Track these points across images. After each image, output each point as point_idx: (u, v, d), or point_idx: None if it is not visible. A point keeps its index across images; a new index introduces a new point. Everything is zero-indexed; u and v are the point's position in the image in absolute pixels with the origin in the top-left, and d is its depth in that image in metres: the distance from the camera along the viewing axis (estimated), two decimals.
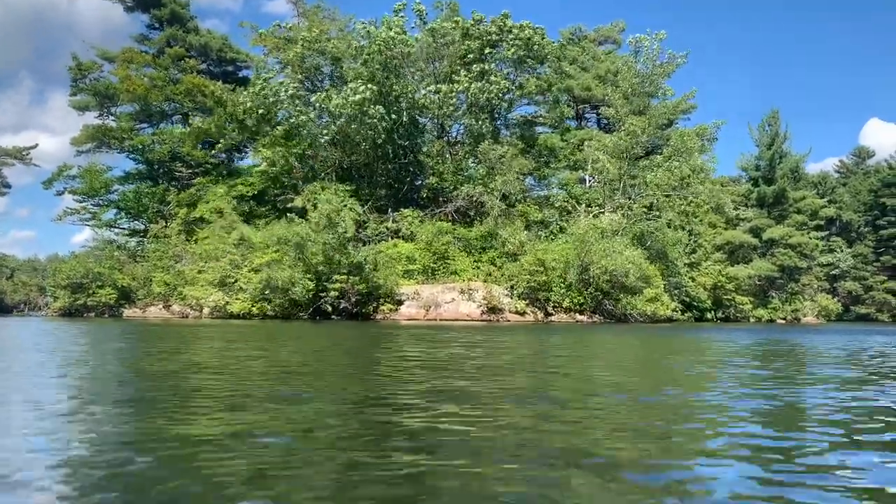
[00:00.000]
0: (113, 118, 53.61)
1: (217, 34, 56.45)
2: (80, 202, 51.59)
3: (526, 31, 43.31)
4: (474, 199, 41.93)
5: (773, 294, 62.23)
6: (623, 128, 40.27)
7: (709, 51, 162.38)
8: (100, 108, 53.94)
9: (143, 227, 51.65)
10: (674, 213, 40.26)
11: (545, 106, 50.34)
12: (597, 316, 35.77)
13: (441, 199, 44.65)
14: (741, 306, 57.79)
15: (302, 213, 40.20)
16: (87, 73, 52.42)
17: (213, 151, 50.35)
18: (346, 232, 35.31)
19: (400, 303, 36.17)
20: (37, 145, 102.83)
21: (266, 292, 35.22)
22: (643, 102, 44.09)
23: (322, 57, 45.96)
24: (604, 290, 35.11)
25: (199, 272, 39.98)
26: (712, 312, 54.89)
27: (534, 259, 34.95)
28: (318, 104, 41.68)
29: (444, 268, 38.64)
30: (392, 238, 41.43)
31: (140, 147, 51.18)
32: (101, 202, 51.97)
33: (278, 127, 44.24)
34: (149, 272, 43.06)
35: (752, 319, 58.57)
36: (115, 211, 52.19)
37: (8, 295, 74.50)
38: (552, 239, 40.10)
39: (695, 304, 50.60)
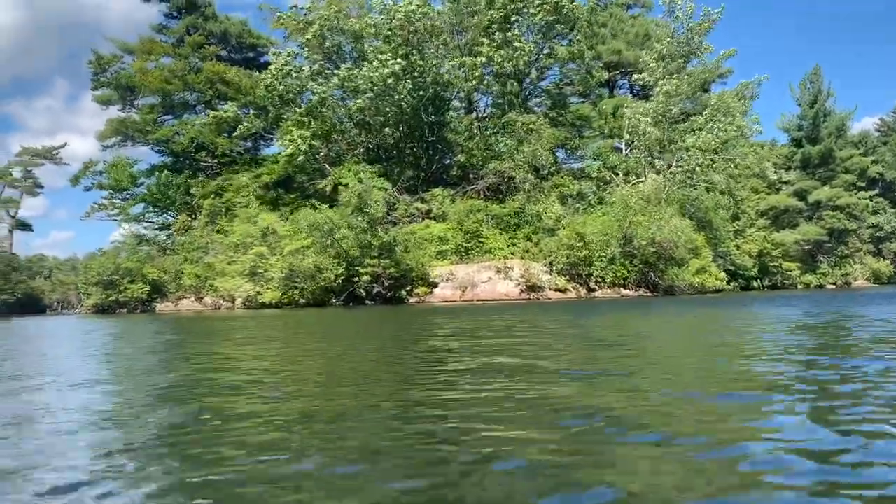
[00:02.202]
0: (135, 111, 52.96)
1: (236, 19, 55.33)
2: (108, 197, 51.14)
3: None
4: (505, 174, 40.33)
5: (822, 259, 59.76)
6: (658, 90, 38.15)
7: (740, 6, 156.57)
8: (122, 102, 53.34)
9: (171, 220, 51.05)
10: (719, 176, 38.12)
11: (576, 74, 48.29)
12: (642, 289, 34.08)
13: (471, 176, 43.12)
14: (788, 273, 55.62)
15: (330, 198, 39.06)
16: (107, 66, 51.73)
17: (238, 140, 49.37)
18: (376, 212, 34.10)
19: (434, 285, 34.89)
20: (65, 144, 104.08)
21: (295, 280, 34.23)
22: (679, 65, 41.90)
23: (342, 36, 44.51)
24: (649, 261, 33.37)
25: (229, 263, 39.19)
26: (758, 280, 52.89)
27: (572, 233, 33.27)
28: (343, 80, 40.25)
29: (477, 247, 37.23)
30: (423, 219, 40.12)
31: (164, 139, 50.43)
32: (128, 196, 51.43)
33: (300, 109, 42.96)
34: (179, 265, 42.44)
35: (799, 286, 56.35)
36: (142, 205, 51.60)
37: (46, 294, 74.98)
38: (590, 211, 38.36)
39: (740, 272, 48.68)
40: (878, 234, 67.06)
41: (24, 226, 78.40)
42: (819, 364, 5.43)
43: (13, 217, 76.43)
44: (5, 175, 75.96)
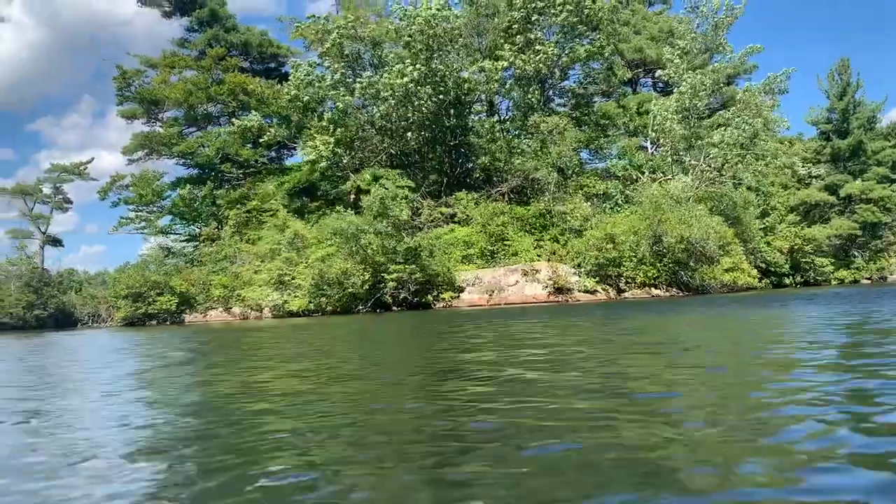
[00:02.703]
0: (160, 125, 53.48)
1: (256, 30, 55.62)
2: (135, 211, 51.63)
3: None
4: (529, 176, 39.97)
5: (856, 253, 58.53)
6: (682, 86, 37.53)
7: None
8: (147, 116, 53.90)
9: (198, 231, 51.38)
10: (748, 173, 37.37)
11: (599, 73, 47.82)
12: (673, 289, 33.49)
13: (495, 179, 42.83)
14: (822, 268, 54.49)
15: (354, 205, 39.02)
16: (131, 81, 52.30)
17: (262, 150, 49.68)
18: (400, 214, 33.96)
19: (461, 289, 34.61)
20: (93, 160, 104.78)
21: (323, 288, 34.16)
22: (703, 60, 41.25)
23: (361, 43, 44.52)
24: (679, 260, 32.78)
25: (256, 272, 39.26)
26: (791, 277, 51.89)
27: (601, 233, 32.80)
28: (364, 88, 40.26)
29: (503, 250, 36.91)
30: (447, 223, 39.91)
31: (189, 151, 50.83)
32: (154, 209, 51.87)
33: (324, 115, 43.04)
34: (206, 276, 42.62)
35: (833, 281, 55.21)
36: (169, 217, 52.03)
37: (77, 308, 75.84)
38: (617, 211, 37.84)
39: (772, 269, 47.80)
40: None
41: (55, 241, 79.38)
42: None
43: (44, 233, 77.48)
44: (35, 192, 77.03)
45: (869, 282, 55.84)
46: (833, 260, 55.96)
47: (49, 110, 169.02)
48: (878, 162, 60.34)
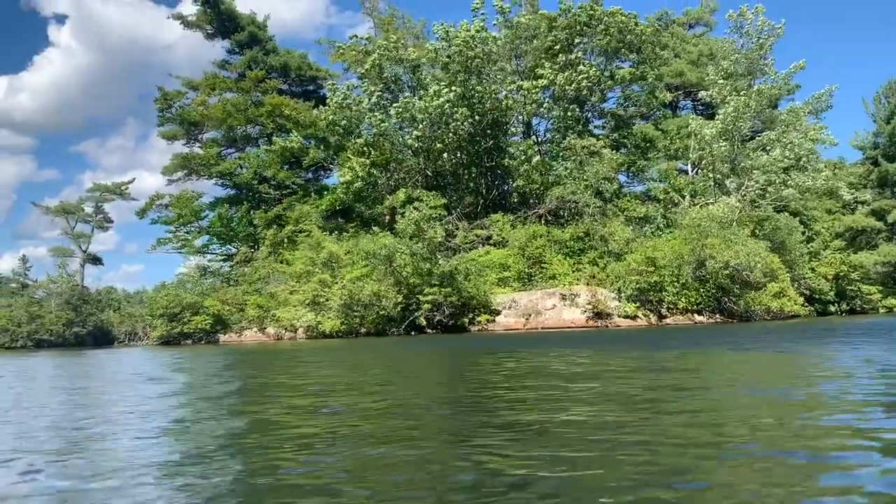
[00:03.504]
0: (199, 145, 54.12)
1: (296, 53, 56.20)
2: (173, 231, 52.10)
3: (618, 18, 40.39)
4: (566, 198, 39.38)
5: None
6: (726, 108, 36.70)
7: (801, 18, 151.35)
8: (187, 137, 54.61)
9: (234, 251, 51.64)
10: (793, 192, 36.20)
11: (639, 97, 47.23)
12: (718, 315, 32.47)
13: (532, 201, 42.30)
14: (868, 296, 52.63)
15: (389, 227, 38.82)
16: (172, 102, 53.08)
17: (299, 171, 49.97)
18: (435, 236, 33.62)
19: (497, 312, 34.02)
20: (133, 180, 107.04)
21: (355, 309, 33.85)
22: (747, 81, 40.40)
23: (400, 65, 44.62)
24: (723, 286, 31.78)
25: (291, 293, 39.14)
26: (836, 305, 50.22)
27: (642, 257, 31.99)
28: (400, 112, 40.27)
29: (540, 273, 36.26)
30: (483, 245, 39.44)
31: (227, 172, 51.27)
32: (192, 229, 52.30)
33: (360, 139, 43.12)
34: (242, 296, 42.65)
35: (881, 310, 53.32)
36: (206, 237, 52.40)
37: (115, 326, 76.71)
38: (658, 235, 36.98)
39: (816, 296, 46.29)
40: None
41: (95, 260, 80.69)
42: None
43: (84, 251, 78.82)
44: (77, 211, 78.54)
45: None
46: (881, 287, 54.08)
47: (94, 132, 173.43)
48: None
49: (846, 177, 59.75)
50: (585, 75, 38.95)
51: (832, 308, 49.42)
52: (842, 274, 50.31)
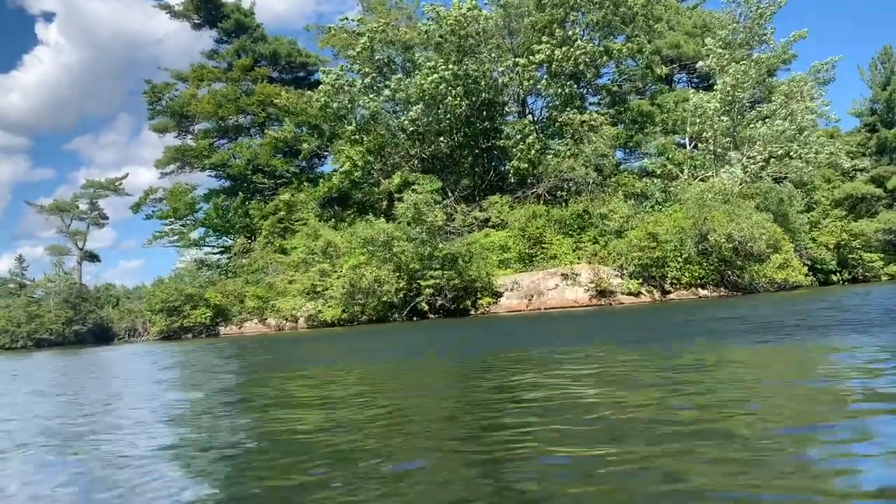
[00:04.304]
0: (191, 137, 53.52)
1: (284, 40, 55.45)
2: (168, 224, 51.61)
3: None
4: (565, 176, 38.90)
5: None
6: (726, 77, 36.12)
7: None
8: (178, 129, 53.98)
9: (230, 243, 51.20)
10: (799, 163, 35.67)
11: (634, 72, 46.59)
12: (722, 289, 32.13)
13: (529, 180, 41.82)
14: (870, 264, 52.35)
15: (386, 213, 38.39)
16: (161, 94, 52.41)
17: (293, 160, 49.41)
18: (435, 220, 33.21)
19: (499, 294, 33.68)
20: (127, 175, 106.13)
21: (356, 297, 33.51)
22: (744, 52, 39.77)
23: (392, 47, 43.95)
24: (726, 259, 31.40)
25: (290, 283, 38.79)
26: (838, 274, 49.96)
27: (643, 233, 31.58)
28: (393, 91, 39.70)
29: (541, 253, 35.87)
30: (482, 228, 39.02)
31: (220, 163, 50.70)
32: (188, 222, 51.79)
33: (351, 126, 42.52)
34: (240, 287, 42.31)
35: (883, 277, 53.09)
36: (202, 230, 51.92)
37: (115, 323, 76.38)
38: (658, 210, 36.55)
39: (818, 266, 45.99)
40: None
41: (92, 257, 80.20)
42: None
43: (81, 249, 78.30)
44: (72, 208, 77.94)
45: None
46: (882, 255, 53.79)
47: (87, 129, 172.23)
48: None
49: (844, 146, 59.32)
50: (583, 51, 38.35)
51: (834, 277, 49.18)
52: (843, 243, 50.02)
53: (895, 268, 54.44)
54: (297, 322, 37.74)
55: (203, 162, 51.30)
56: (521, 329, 17.18)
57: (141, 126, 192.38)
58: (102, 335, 70.32)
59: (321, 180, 48.57)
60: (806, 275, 39.35)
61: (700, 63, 39.03)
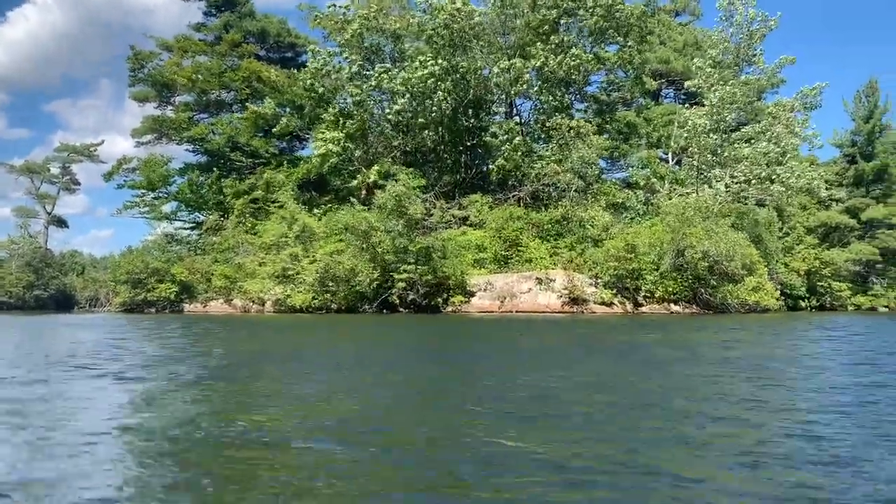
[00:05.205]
0: (171, 109, 52.35)
1: (274, 18, 54.48)
2: (140, 196, 50.41)
3: None
4: (547, 181, 38.64)
5: (875, 280, 56.95)
6: (713, 96, 36.11)
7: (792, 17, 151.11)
8: (159, 99, 52.76)
9: (203, 219, 50.15)
10: (779, 187, 35.76)
11: (623, 82, 46.46)
12: (694, 306, 32.12)
13: (511, 182, 41.52)
14: (838, 293, 52.95)
15: (364, 202, 37.84)
16: (144, 63, 51.18)
17: (273, 140, 48.47)
18: (416, 213, 32.80)
19: (472, 294, 33.36)
20: (103, 142, 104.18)
21: (329, 284, 32.95)
22: (733, 72, 39.83)
23: (382, 35, 43.30)
24: (700, 276, 31.38)
25: (260, 265, 38.09)
26: (807, 300, 50.43)
27: (622, 243, 31.43)
28: (379, 82, 39.12)
29: (517, 256, 35.61)
30: (460, 225, 38.64)
31: (199, 137, 49.60)
32: (161, 195, 50.64)
33: (333, 109, 41.81)
34: (209, 265, 41.48)
35: (850, 307, 53.73)
36: (174, 203, 50.78)
37: (78, 291, 74.89)
38: (638, 222, 36.47)
39: (787, 290, 46.36)
40: None
41: (60, 222, 78.51)
42: None
43: (49, 213, 76.59)
44: (43, 171, 76.19)
45: (886, 310, 54.39)
46: (850, 285, 54.43)
47: (68, 93, 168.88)
48: None
49: (823, 174, 59.86)
50: (577, 59, 38.12)
51: (803, 304, 49.61)
52: (814, 269, 50.49)
53: (862, 298, 55.16)
54: (263, 305, 37.08)
55: (181, 135, 50.12)
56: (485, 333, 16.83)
57: (123, 94, 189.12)
58: (64, 302, 68.88)
59: (301, 162, 47.79)
60: (777, 299, 39.60)
61: (688, 82, 38.98)
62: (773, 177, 35.54)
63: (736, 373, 8.03)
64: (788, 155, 36.02)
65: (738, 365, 8.91)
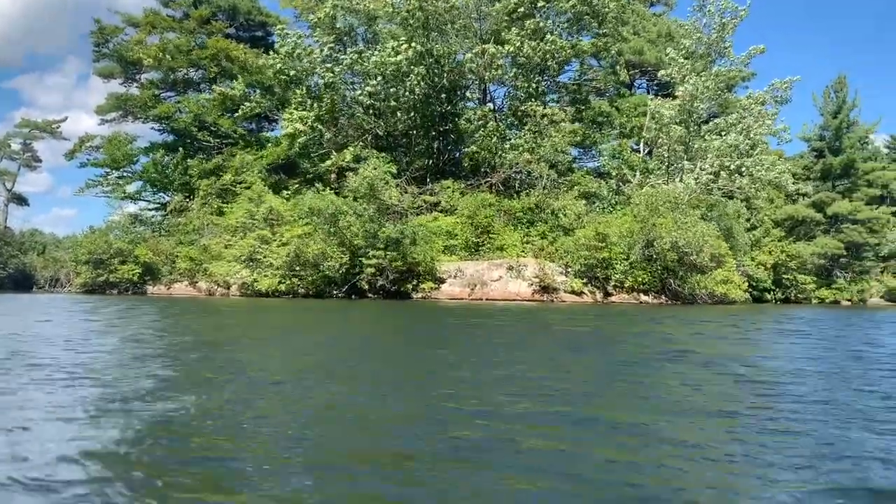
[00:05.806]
0: (137, 86, 50.99)
1: None
2: (104, 175, 49.12)
3: None
4: (520, 168, 38.41)
5: (838, 273, 57.86)
6: (685, 87, 36.15)
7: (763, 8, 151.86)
8: (124, 76, 51.36)
9: (168, 200, 49.04)
10: (746, 180, 36.04)
11: (597, 71, 46.31)
12: (663, 297, 32.20)
13: (483, 169, 41.21)
14: (803, 286, 53.71)
15: (334, 186, 37.25)
16: (109, 38, 49.74)
17: (241, 120, 47.40)
18: (389, 198, 32.37)
19: (441, 280, 33.06)
20: (66, 118, 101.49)
21: (296, 268, 32.39)
22: (704, 63, 39.92)
23: (355, 16, 42.51)
24: (669, 267, 31.44)
25: (226, 247, 37.34)
26: (772, 293, 51.06)
27: (593, 233, 31.34)
28: (351, 64, 38.46)
29: (488, 243, 35.38)
30: (431, 211, 38.26)
31: (165, 115, 48.38)
32: (125, 174, 49.39)
33: (306, 89, 41.03)
34: (174, 247, 40.61)
35: (814, 300, 54.55)
36: (139, 183, 49.56)
37: (38, 271, 73.13)
38: (609, 212, 36.43)
39: (753, 283, 46.86)
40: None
41: (20, 200, 76.43)
42: None
43: (9, 190, 74.50)
44: (3, 146, 73.96)
45: (849, 303, 55.34)
46: (815, 279, 55.23)
47: (33, 68, 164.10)
48: (869, 183, 59.75)
49: (790, 168, 60.53)
50: (553, 44, 37.80)
51: (768, 296, 50.21)
52: (780, 262, 51.12)
53: (826, 292, 56.01)
54: (229, 289, 36.41)
55: (147, 113, 48.83)
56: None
57: (89, 71, 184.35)
58: (24, 282, 67.07)
59: (269, 144, 46.89)
60: (744, 291, 39.96)
61: (661, 72, 38.99)
62: (742, 169, 35.74)
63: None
64: (758, 148, 36.24)
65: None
